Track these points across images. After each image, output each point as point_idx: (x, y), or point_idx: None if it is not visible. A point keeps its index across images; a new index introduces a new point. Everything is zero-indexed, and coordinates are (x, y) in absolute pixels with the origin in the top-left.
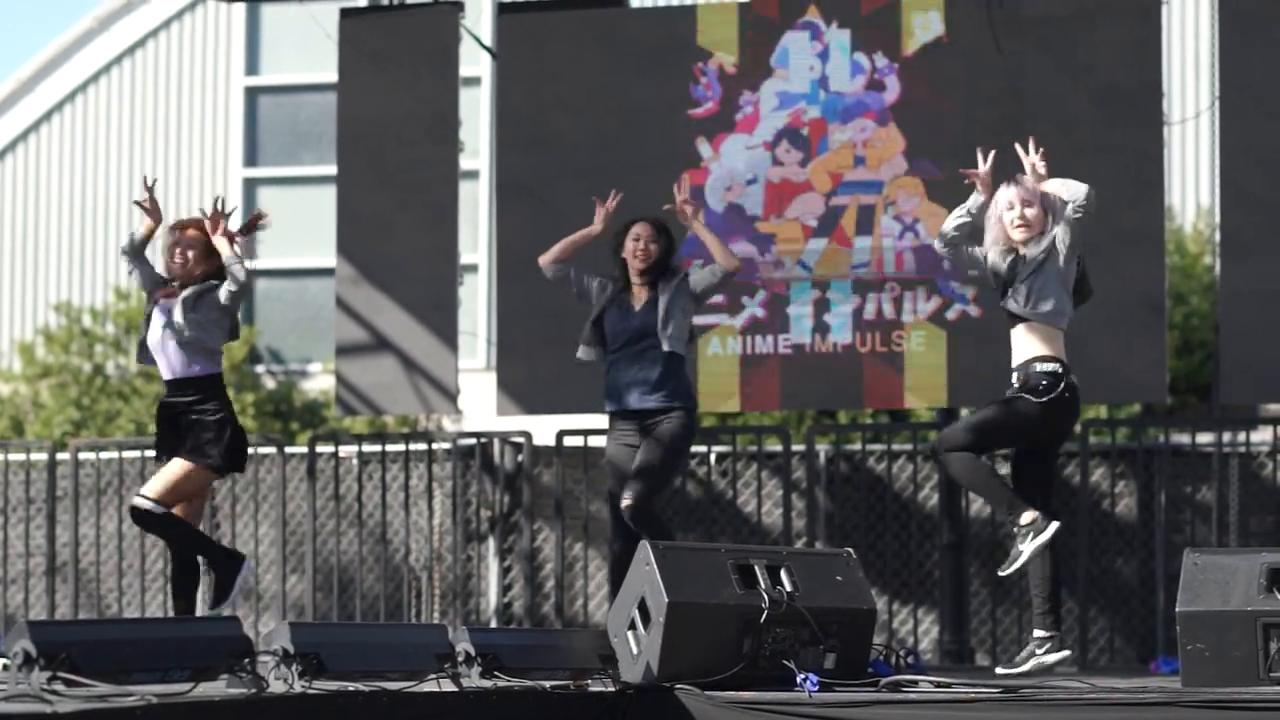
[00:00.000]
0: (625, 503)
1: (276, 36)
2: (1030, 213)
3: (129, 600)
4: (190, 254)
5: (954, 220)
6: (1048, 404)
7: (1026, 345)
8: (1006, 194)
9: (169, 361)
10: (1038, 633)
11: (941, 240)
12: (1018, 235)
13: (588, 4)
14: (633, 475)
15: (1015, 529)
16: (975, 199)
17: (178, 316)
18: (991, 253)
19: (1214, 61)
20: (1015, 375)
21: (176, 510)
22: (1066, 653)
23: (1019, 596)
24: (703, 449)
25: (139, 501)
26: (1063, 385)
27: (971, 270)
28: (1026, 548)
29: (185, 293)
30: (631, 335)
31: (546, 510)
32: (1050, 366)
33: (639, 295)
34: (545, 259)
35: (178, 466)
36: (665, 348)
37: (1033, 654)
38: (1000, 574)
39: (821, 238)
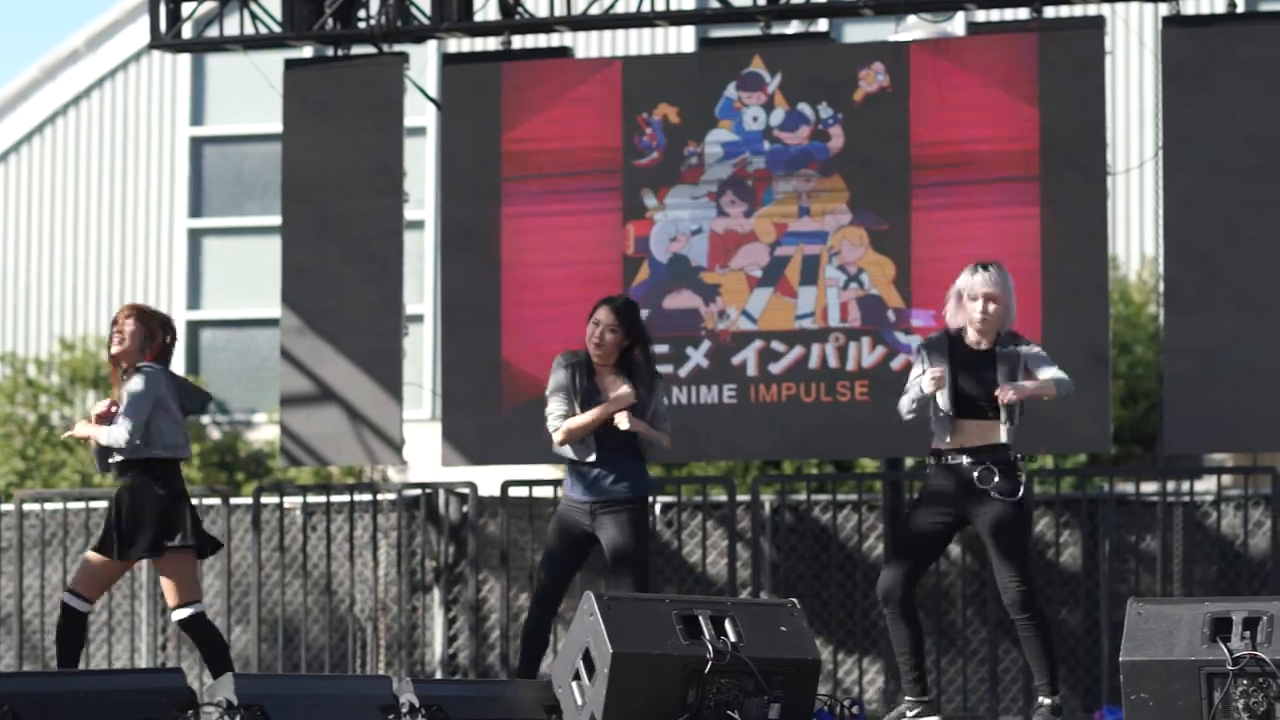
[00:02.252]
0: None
1: (221, 87)
2: (994, 308)
3: None
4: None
5: (909, 404)
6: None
7: (988, 432)
8: (972, 281)
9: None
10: (910, 698)
11: (905, 415)
12: (978, 327)
13: (532, 55)
14: (621, 566)
15: (1042, 705)
16: (923, 390)
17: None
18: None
19: (1157, 113)
20: (982, 463)
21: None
22: (938, 718)
23: (963, 646)
24: None
25: (190, 610)
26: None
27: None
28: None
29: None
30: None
31: (492, 561)
32: (1014, 456)
33: (612, 384)
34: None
35: (178, 561)
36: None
37: (903, 715)
38: None
39: (766, 288)
